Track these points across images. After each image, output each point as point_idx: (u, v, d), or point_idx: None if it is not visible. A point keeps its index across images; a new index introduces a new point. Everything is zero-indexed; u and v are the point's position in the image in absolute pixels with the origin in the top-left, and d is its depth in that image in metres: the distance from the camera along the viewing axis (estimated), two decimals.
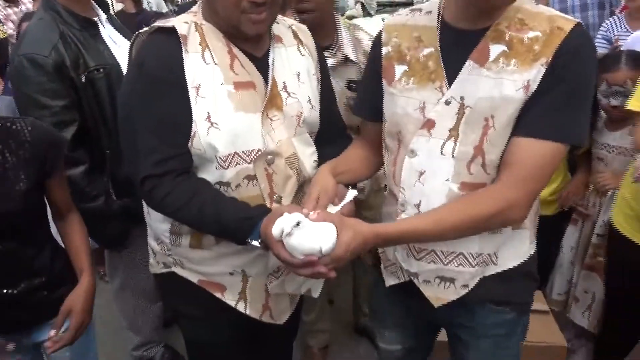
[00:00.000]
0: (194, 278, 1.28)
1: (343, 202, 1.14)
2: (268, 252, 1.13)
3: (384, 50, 1.17)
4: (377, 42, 1.20)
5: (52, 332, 1.29)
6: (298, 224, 0.96)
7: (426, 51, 1.10)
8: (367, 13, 3.59)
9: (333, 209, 1.11)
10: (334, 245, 0.96)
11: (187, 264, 1.28)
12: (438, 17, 1.10)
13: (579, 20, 1.02)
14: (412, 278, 1.17)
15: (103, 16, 1.78)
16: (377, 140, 1.24)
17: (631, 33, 2.66)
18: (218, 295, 1.28)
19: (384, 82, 1.17)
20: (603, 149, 2.04)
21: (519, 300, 1.20)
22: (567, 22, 1.00)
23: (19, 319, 1.31)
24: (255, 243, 1.09)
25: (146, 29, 1.18)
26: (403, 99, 1.11)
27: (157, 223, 1.28)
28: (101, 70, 1.64)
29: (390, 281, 1.25)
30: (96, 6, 1.78)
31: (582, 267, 2.13)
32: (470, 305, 1.17)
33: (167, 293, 1.45)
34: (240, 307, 1.28)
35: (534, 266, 1.19)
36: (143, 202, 1.30)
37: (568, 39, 0.98)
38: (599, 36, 2.98)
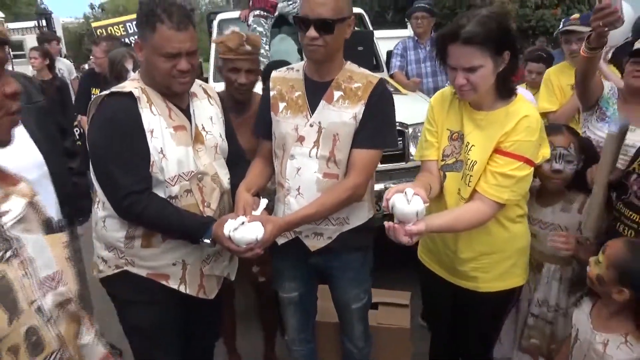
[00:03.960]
0: (143, 272, 1.70)
1: (260, 208, 1.68)
2: (201, 245, 1.65)
3: (272, 93, 1.80)
4: (267, 88, 1.84)
5: None
6: (243, 223, 1.57)
7: (297, 93, 1.75)
8: None
9: (256, 213, 1.65)
10: (263, 235, 1.56)
11: (138, 262, 1.69)
12: (303, 73, 1.78)
13: (381, 77, 1.76)
14: (297, 235, 1.80)
15: None
16: (268, 155, 1.86)
17: None
18: (163, 282, 1.71)
19: (272, 113, 1.80)
20: (535, 225, 1.93)
21: (364, 245, 1.89)
22: (375, 78, 1.73)
23: None
24: (207, 241, 1.62)
25: (105, 92, 1.61)
26: (284, 123, 1.75)
27: (112, 233, 1.68)
28: None
29: (280, 240, 1.79)
30: None
31: (517, 349, 2.04)
32: (337, 252, 1.82)
33: (118, 289, 1.77)
34: (182, 289, 1.73)
35: (372, 223, 1.87)
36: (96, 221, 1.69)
37: (375, 88, 1.70)
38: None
